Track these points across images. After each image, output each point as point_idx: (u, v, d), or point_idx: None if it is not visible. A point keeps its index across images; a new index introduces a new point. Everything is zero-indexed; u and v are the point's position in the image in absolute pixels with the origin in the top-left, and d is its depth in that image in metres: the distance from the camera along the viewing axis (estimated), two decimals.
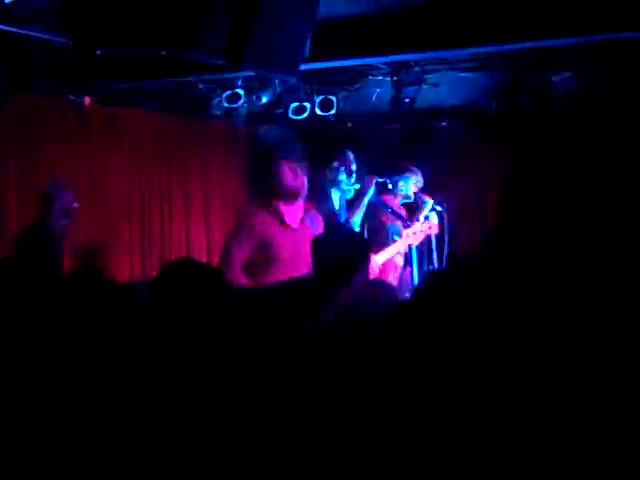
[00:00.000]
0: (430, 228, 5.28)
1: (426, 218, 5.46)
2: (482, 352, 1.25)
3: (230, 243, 4.33)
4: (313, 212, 4.58)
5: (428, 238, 5.44)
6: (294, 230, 4.38)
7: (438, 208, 5.50)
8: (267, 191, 4.41)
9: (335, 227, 4.57)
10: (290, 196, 4.33)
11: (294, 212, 4.40)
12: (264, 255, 4.31)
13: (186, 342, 1.97)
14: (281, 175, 4.30)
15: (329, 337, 1.67)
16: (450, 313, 1.36)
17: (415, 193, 5.71)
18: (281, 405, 1.53)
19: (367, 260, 3.64)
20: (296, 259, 4.29)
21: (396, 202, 5.69)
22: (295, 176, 4.33)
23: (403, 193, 5.69)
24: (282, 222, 4.35)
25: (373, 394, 1.29)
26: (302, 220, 4.45)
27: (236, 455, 1.61)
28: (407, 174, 5.73)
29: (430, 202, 5.52)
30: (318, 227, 4.51)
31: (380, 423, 1.26)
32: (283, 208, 4.35)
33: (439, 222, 5.48)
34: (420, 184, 5.78)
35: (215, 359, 1.98)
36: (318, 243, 3.79)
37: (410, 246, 5.36)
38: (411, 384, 1.27)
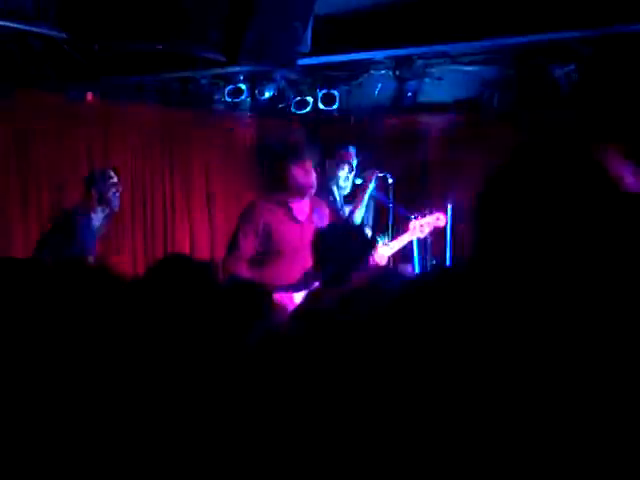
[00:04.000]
0: (438, 219, 5.25)
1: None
2: (481, 344, 1.24)
3: (237, 235, 4.38)
4: (321, 207, 4.62)
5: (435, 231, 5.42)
6: (301, 224, 4.43)
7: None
8: (275, 185, 4.45)
9: (336, 221, 4.58)
10: (299, 192, 4.38)
11: (302, 207, 4.45)
12: (270, 247, 4.36)
13: (174, 336, 1.97)
14: (292, 173, 4.35)
15: (330, 327, 1.66)
16: (451, 304, 1.35)
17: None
18: (278, 395, 1.52)
19: (369, 253, 3.65)
20: (301, 252, 4.32)
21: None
22: (305, 174, 4.37)
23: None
24: (290, 216, 4.39)
25: (374, 383, 1.28)
26: (309, 215, 4.49)
27: (229, 446, 1.60)
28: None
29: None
30: (325, 221, 4.53)
31: (379, 413, 1.25)
32: (291, 202, 4.40)
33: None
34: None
35: (204, 351, 1.98)
36: (319, 236, 3.81)
37: (412, 244, 5.35)
38: (411, 375, 1.26)
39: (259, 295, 2.95)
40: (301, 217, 4.47)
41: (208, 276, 2.17)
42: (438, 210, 5.33)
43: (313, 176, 4.45)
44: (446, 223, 5.44)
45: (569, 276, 1.21)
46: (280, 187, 4.44)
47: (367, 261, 3.44)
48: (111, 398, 1.69)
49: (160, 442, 1.64)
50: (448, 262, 6.23)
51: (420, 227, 5.18)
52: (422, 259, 6.03)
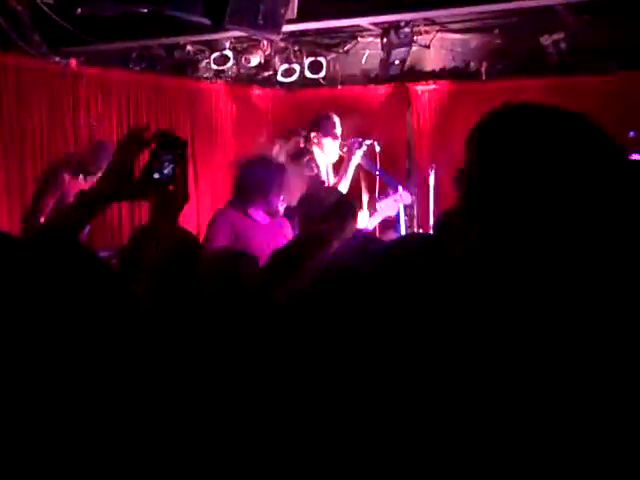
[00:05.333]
0: (401, 197, 5.23)
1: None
2: (465, 304, 1.23)
3: (209, 239, 4.45)
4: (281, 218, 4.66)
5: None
6: (265, 225, 4.48)
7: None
8: (239, 191, 4.48)
9: (320, 188, 4.57)
10: (271, 212, 4.43)
11: (261, 213, 4.51)
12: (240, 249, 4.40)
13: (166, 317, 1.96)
14: (269, 193, 4.37)
15: (316, 289, 1.65)
16: (435, 265, 1.35)
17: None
18: (269, 364, 1.51)
19: (354, 217, 3.65)
20: (269, 253, 4.35)
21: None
22: (280, 198, 4.42)
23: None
24: (252, 220, 4.44)
25: (361, 344, 1.28)
26: (271, 219, 4.53)
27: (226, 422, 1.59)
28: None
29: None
30: (285, 227, 4.57)
31: (368, 377, 1.25)
32: (250, 209, 4.45)
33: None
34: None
35: (196, 325, 1.98)
36: (303, 201, 3.80)
37: (398, 212, 5.34)
38: (398, 334, 1.26)
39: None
40: (263, 220, 4.53)
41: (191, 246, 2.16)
42: (396, 190, 5.31)
43: (277, 191, 4.49)
44: (411, 201, 5.45)
45: (567, 244, 1.18)
46: (252, 201, 4.48)
47: (350, 225, 3.43)
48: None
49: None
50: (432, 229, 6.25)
51: (386, 207, 5.17)
52: (408, 227, 6.04)
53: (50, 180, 5.76)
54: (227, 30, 4.39)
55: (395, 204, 5.19)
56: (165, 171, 1.96)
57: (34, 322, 1.58)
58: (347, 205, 3.56)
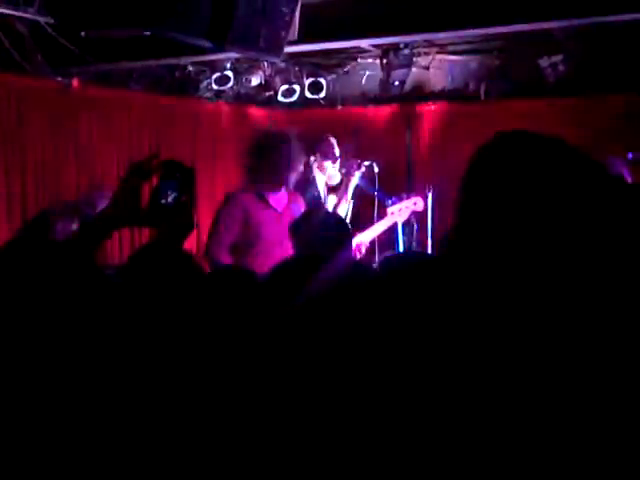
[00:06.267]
0: (415, 204, 5.23)
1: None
2: (457, 324, 1.25)
3: (217, 225, 4.41)
4: (297, 199, 4.66)
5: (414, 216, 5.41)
6: (279, 213, 4.46)
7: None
8: (253, 176, 4.47)
9: (315, 209, 4.58)
10: (276, 183, 4.42)
11: (279, 198, 4.50)
12: (249, 237, 4.39)
13: (165, 324, 1.97)
14: (275, 163, 4.37)
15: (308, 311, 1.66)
16: (423, 291, 1.36)
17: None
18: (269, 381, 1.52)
19: (348, 240, 3.66)
20: (281, 242, 4.35)
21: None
22: (289, 167, 4.41)
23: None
24: (267, 206, 4.42)
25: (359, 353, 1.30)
26: (287, 205, 4.52)
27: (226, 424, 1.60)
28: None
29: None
30: (301, 212, 4.56)
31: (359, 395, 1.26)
32: (268, 194, 4.43)
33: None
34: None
35: (200, 338, 1.99)
36: (297, 224, 3.83)
37: (396, 224, 5.33)
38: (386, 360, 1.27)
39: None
40: (279, 207, 4.51)
41: (192, 264, 2.17)
42: (415, 194, 5.32)
43: (296, 172, 4.48)
44: (425, 207, 5.42)
45: (556, 264, 1.21)
46: (261, 177, 4.47)
47: (346, 247, 3.44)
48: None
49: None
50: (430, 249, 6.26)
51: (398, 212, 5.15)
52: (406, 247, 6.05)
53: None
54: (228, 52, 4.43)
55: (407, 210, 5.16)
56: (171, 199, 1.98)
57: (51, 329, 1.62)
58: (343, 229, 3.57)
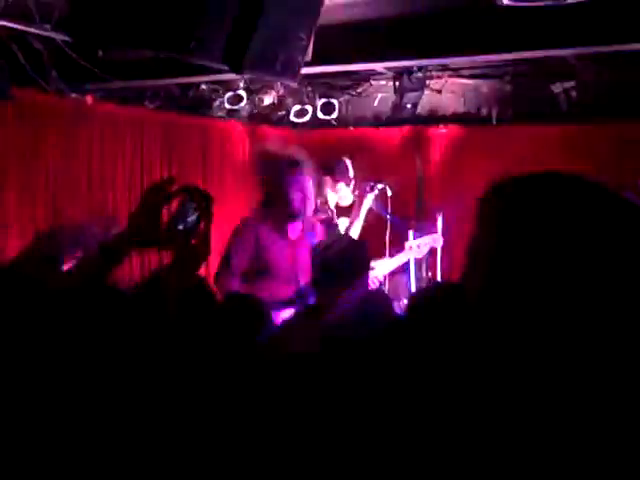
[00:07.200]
0: (435, 241, 5.21)
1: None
2: (473, 371, 1.24)
3: (229, 251, 4.37)
4: (314, 224, 4.62)
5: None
6: (292, 242, 4.43)
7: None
8: (269, 203, 4.45)
9: (335, 235, 4.56)
10: (292, 213, 4.38)
11: (295, 226, 4.45)
12: (261, 266, 4.35)
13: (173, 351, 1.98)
14: (289, 196, 4.34)
15: (321, 349, 1.67)
16: (442, 332, 1.36)
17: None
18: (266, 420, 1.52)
19: (367, 268, 3.61)
20: (293, 271, 4.33)
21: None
22: (302, 198, 4.37)
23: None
24: (282, 235, 4.38)
25: (363, 407, 1.29)
26: (302, 233, 4.49)
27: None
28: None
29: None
30: (318, 239, 4.54)
31: (369, 437, 1.26)
32: (284, 223, 4.39)
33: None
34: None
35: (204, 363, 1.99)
36: (318, 250, 3.79)
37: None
38: (401, 400, 1.27)
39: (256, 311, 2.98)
40: (293, 236, 4.47)
41: (204, 291, 2.18)
42: (435, 229, 5.27)
43: (308, 200, 4.43)
44: (432, 221, 5.38)
45: (582, 306, 1.17)
46: (274, 206, 4.43)
47: (365, 279, 3.41)
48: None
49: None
50: (439, 274, 6.24)
51: (417, 247, 5.12)
52: (417, 271, 6.04)
53: None
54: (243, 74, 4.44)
55: (426, 247, 5.12)
56: (189, 224, 1.99)
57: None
58: (363, 260, 3.49)
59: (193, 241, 2.02)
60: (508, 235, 1.24)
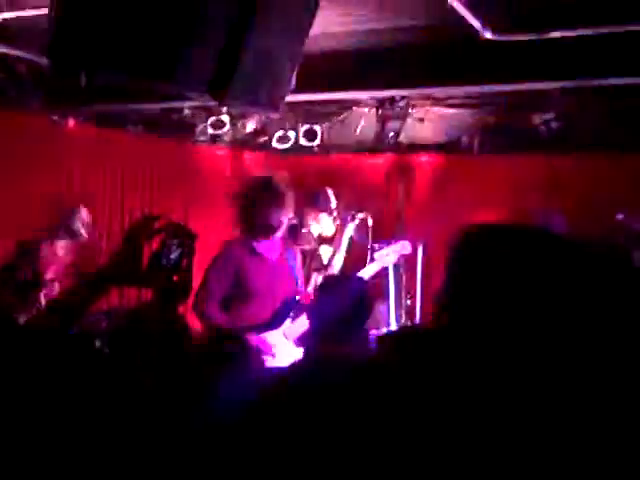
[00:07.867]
0: (403, 247, 5.20)
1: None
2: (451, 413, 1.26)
3: (208, 277, 4.33)
4: (292, 246, 4.62)
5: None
6: (272, 264, 4.41)
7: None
8: (246, 225, 4.43)
9: (334, 279, 4.43)
10: (268, 232, 4.36)
11: (271, 246, 4.42)
12: (241, 289, 4.33)
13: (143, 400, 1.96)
14: (263, 213, 4.32)
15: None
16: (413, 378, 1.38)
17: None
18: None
19: (368, 313, 3.48)
20: (273, 293, 4.31)
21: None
22: (277, 216, 4.35)
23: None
24: (259, 258, 4.37)
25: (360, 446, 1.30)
26: (281, 253, 4.47)
27: None
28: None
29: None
30: (296, 261, 4.53)
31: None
32: (258, 244, 4.37)
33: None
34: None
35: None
36: (317, 297, 3.65)
37: (387, 271, 5.31)
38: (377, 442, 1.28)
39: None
40: (271, 257, 4.44)
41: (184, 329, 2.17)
42: (402, 239, 5.30)
43: (283, 220, 4.41)
44: (412, 251, 5.38)
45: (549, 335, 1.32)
46: (247, 229, 4.41)
47: (365, 321, 3.32)
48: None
49: None
50: (419, 301, 6.26)
51: (386, 255, 5.09)
52: (397, 297, 6.06)
53: None
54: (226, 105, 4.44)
55: (394, 254, 5.12)
56: (172, 261, 1.99)
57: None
58: (362, 300, 3.37)
59: (175, 278, 2.02)
60: (470, 277, 1.41)
